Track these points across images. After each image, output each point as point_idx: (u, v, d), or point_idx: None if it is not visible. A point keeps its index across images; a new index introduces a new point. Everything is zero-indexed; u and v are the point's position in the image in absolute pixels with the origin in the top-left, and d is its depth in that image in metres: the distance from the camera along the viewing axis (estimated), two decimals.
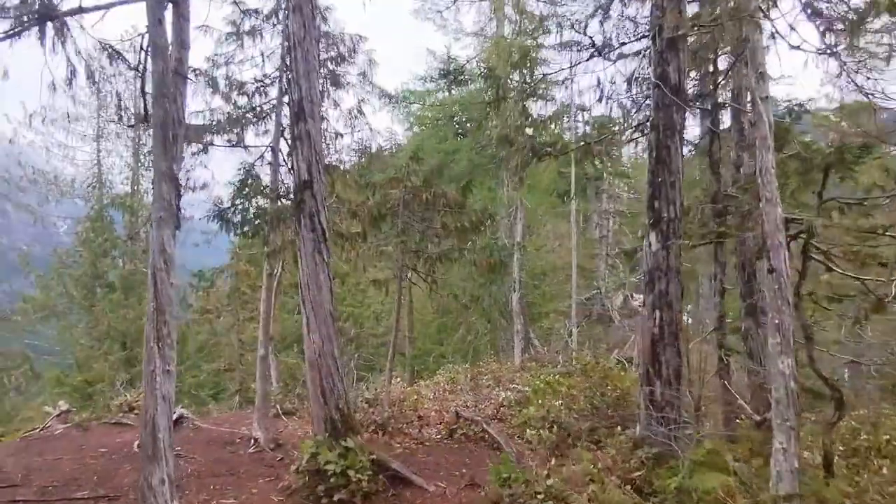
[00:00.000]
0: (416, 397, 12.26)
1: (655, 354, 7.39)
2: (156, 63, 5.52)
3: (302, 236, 7.06)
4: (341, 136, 11.05)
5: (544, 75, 8.70)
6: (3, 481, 6.87)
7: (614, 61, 7.77)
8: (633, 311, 24.04)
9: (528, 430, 9.79)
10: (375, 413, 9.75)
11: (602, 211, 22.53)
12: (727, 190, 8.80)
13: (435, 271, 10.54)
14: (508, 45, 15.70)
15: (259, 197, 9.30)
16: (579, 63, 7.89)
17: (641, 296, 24.33)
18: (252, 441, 8.77)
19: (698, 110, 9.05)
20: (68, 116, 24.97)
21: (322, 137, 7.92)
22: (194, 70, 9.86)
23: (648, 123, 7.41)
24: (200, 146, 9.52)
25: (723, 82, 8.92)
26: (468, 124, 25.87)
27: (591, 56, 7.71)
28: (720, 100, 8.99)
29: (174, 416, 10.12)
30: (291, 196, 7.82)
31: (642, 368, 7.64)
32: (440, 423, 10.66)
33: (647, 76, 8.27)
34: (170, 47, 5.73)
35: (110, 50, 5.85)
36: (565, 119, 20.51)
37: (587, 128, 24.04)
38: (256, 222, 9.15)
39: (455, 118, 26.85)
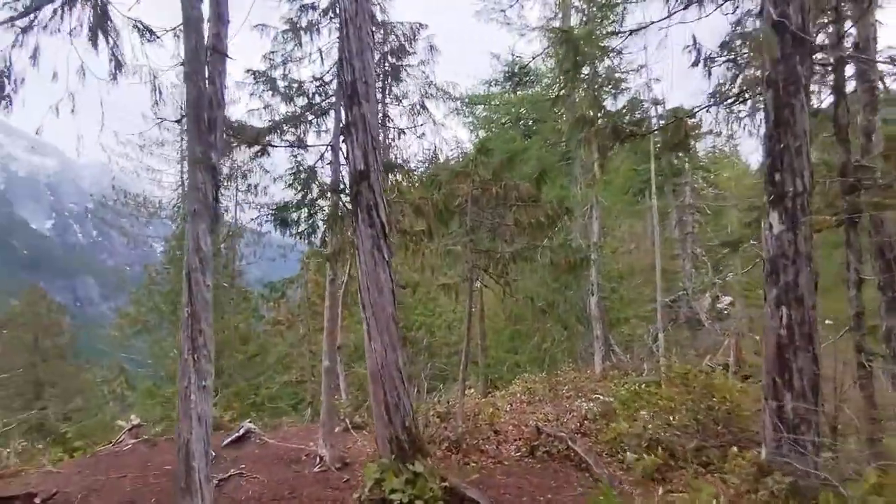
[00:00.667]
0: (491, 410, 11.13)
1: (784, 361, 5.91)
2: (188, 36, 4.80)
3: (359, 232, 6.19)
4: (403, 132, 10.21)
5: (630, 31, 7.39)
6: None
7: (721, 3, 6.40)
8: (722, 314, 21.86)
9: (623, 450, 8.46)
10: (448, 428, 8.71)
11: (685, 206, 20.53)
12: (858, 161, 7.17)
13: (508, 273, 9.41)
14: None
15: (316, 193, 8.52)
16: (675, 12, 6.57)
17: (729, 297, 22.00)
18: (317, 459, 7.96)
19: (820, 66, 7.48)
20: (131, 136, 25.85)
21: (379, 124, 7.03)
22: (252, 72, 9.36)
23: (765, 80, 5.98)
24: (258, 148, 8.90)
25: (850, 31, 7.33)
26: (535, 125, 24.67)
27: (689, 4, 6.39)
28: (844, 53, 7.37)
29: (240, 432, 9.62)
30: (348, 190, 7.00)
31: (766, 378, 6.16)
32: (519, 439, 9.48)
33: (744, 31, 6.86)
34: (206, 23, 5.03)
35: (142, 27, 5.18)
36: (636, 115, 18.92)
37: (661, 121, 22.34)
38: (311, 221, 8.40)
39: (521, 121, 25.73)
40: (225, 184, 27.37)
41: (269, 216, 8.67)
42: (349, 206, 6.86)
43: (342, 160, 8.79)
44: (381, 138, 7.78)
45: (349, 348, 15.21)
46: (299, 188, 8.36)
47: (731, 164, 32.07)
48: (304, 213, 8.37)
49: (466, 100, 22.69)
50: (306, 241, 8.76)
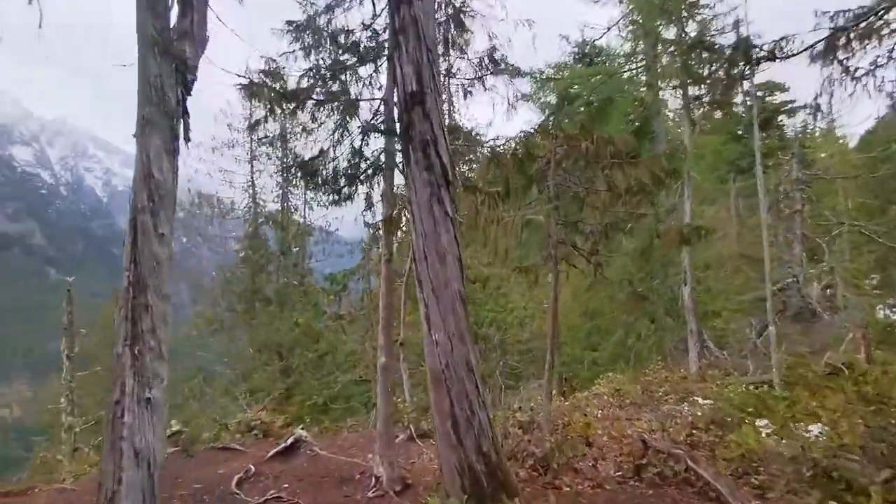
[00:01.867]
0: (582, 417, 9.21)
1: None
2: None
3: (412, 179, 4.52)
4: (470, 92, 8.50)
5: None
6: None
7: None
8: (834, 304, 18.72)
9: (755, 470, 6.39)
10: (533, 442, 6.91)
11: (793, 180, 17.54)
12: None
13: (598, 251, 7.49)
14: None
15: (358, 135, 6.80)
16: None
17: (837, 285, 18.68)
18: (373, 480, 6.41)
19: None
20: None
21: (436, 32, 5.29)
22: (292, 23, 7.94)
23: None
24: (304, 108, 7.36)
25: None
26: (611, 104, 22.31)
27: None
28: None
29: (289, 441, 8.24)
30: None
31: None
32: (620, 455, 7.54)
33: None
34: None
35: None
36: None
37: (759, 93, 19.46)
38: (352, 173, 6.73)
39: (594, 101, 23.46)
40: (293, 181, 27.05)
41: (292, 168, 7.11)
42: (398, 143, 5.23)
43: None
44: (442, 102, 5.97)
45: (416, 345, 13.70)
46: (336, 126, 6.68)
47: (832, 139, 28.28)
48: (343, 163, 6.73)
49: (539, 79, 20.64)
50: (341, 197, 7.10)
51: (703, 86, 13.36)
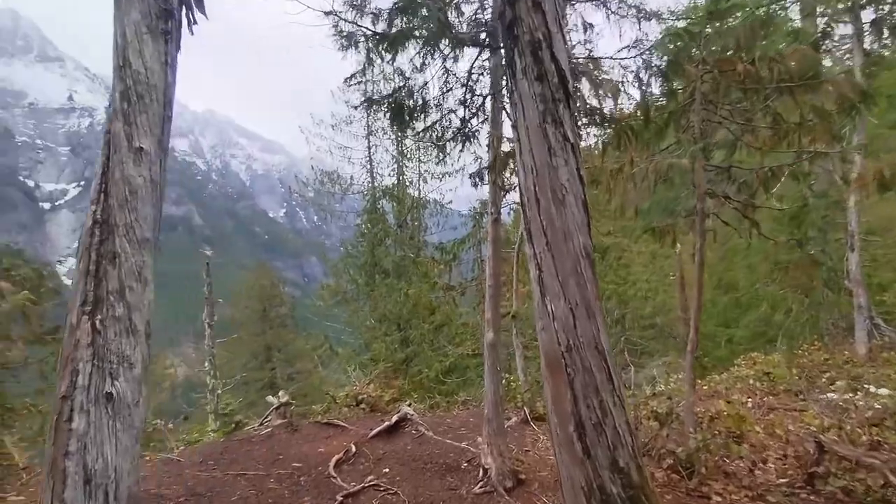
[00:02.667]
0: (728, 405, 7.70)
1: None
2: None
3: (517, 94, 3.40)
4: (591, 26, 7.15)
5: None
6: None
7: None
8: None
9: None
10: (670, 438, 5.69)
11: None
12: None
13: (755, 204, 5.92)
14: None
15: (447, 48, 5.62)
16: None
17: None
18: (481, 472, 5.63)
19: None
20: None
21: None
22: None
23: None
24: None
25: None
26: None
27: None
28: None
29: (394, 419, 7.70)
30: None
31: None
32: (783, 458, 6.07)
33: None
34: None
35: None
36: None
37: None
38: (441, 104, 5.73)
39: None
40: (408, 154, 27.08)
41: (384, 103, 6.17)
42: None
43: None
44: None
45: (530, 318, 12.66)
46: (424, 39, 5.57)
47: None
48: (434, 90, 5.73)
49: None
50: (437, 139, 6.07)
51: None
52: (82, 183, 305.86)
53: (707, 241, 5.75)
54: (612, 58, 5.12)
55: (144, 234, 2.03)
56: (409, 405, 8.12)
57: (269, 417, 7.79)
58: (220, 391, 20.90)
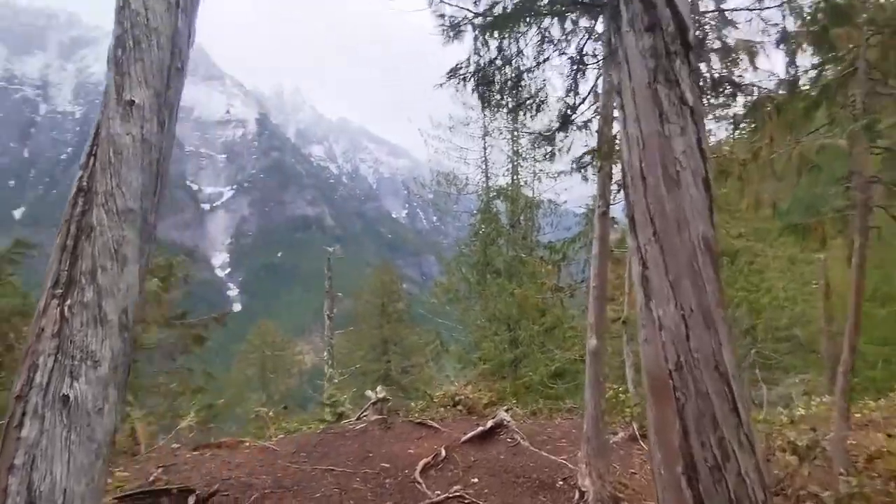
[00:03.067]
0: (889, 441, 6.25)
1: None
2: None
3: (623, 50, 2.55)
4: None
5: None
6: None
7: None
8: None
9: None
10: (813, 477, 4.63)
11: None
12: None
13: None
14: None
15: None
16: None
17: None
18: (577, 494, 4.98)
19: None
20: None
21: None
22: None
23: None
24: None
25: None
26: None
27: None
28: None
29: (488, 424, 7.21)
30: None
31: None
32: None
33: None
34: None
35: None
36: None
37: None
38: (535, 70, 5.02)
39: None
40: (523, 154, 26.63)
41: (472, 76, 5.61)
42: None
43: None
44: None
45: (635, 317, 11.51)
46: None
47: None
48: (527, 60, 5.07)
49: None
50: (544, 135, 5.40)
51: None
52: (234, 186, 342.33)
53: (869, 241, 4.62)
54: (748, 9, 4.20)
55: (127, 203, 1.74)
56: (507, 410, 7.61)
57: (366, 412, 7.73)
58: (336, 380, 21.87)
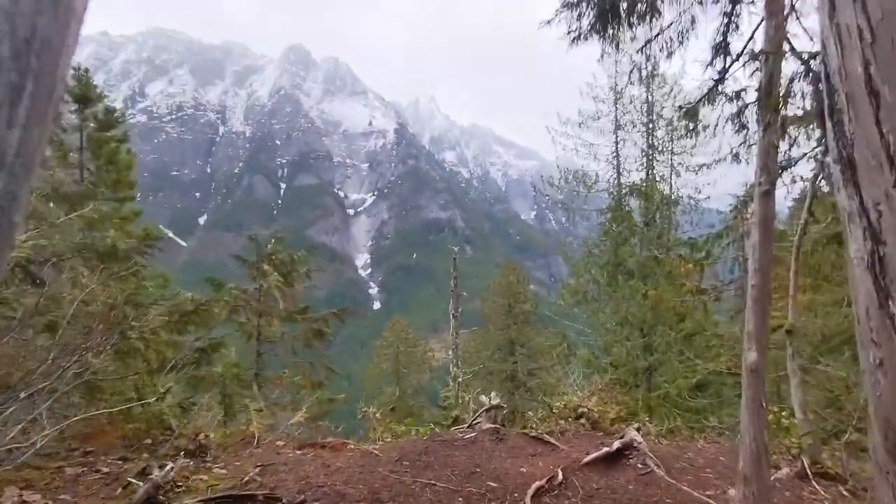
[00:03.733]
0: None
1: None
2: None
3: None
4: None
5: None
6: None
7: None
8: None
9: None
10: None
11: None
12: None
13: None
14: None
15: None
16: None
17: None
18: None
19: None
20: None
21: None
22: None
23: None
24: None
25: None
26: None
27: None
28: None
29: (614, 446, 6.10)
30: None
31: None
32: None
33: None
34: None
35: None
36: None
37: None
38: None
39: None
40: (659, 146, 24.53)
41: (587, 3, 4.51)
42: None
43: None
44: None
45: (812, 334, 9.25)
46: None
47: None
48: None
49: None
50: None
51: None
52: (375, 192, 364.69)
53: None
54: None
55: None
56: (638, 429, 6.45)
57: (478, 419, 7.04)
58: (460, 379, 21.64)
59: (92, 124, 8.15)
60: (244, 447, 5.41)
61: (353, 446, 5.62)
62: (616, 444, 5.68)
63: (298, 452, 5.20)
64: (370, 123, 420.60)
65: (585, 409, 6.99)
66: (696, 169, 24.36)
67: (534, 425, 6.98)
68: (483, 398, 7.40)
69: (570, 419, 7.00)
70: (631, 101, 26.25)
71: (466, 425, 6.96)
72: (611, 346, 23.64)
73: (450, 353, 21.99)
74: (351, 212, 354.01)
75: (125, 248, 6.89)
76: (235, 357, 7.55)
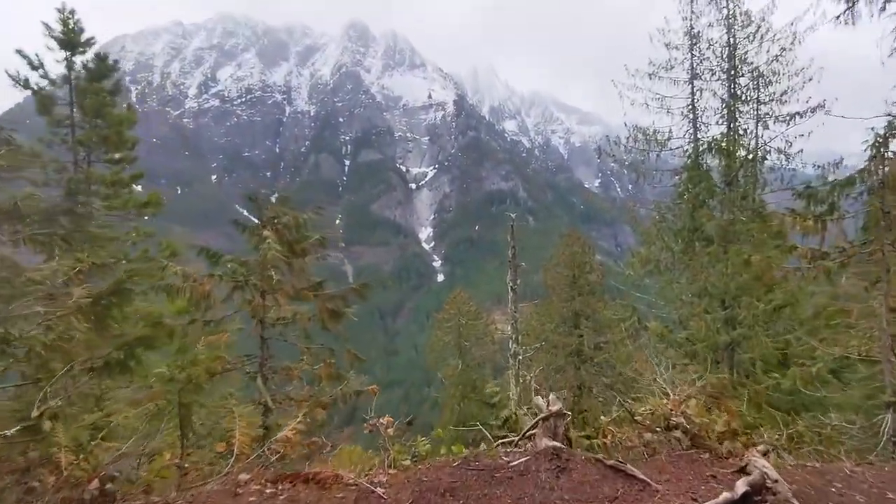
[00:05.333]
0: None
1: None
2: None
3: None
4: None
5: None
6: None
7: None
8: None
9: None
10: None
11: None
12: None
13: None
14: None
15: None
16: None
17: None
18: None
19: None
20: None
21: None
22: None
23: None
24: None
25: None
26: None
27: None
28: None
29: (739, 490, 3.88)
30: None
31: None
32: None
33: None
34: None
35: None
36: None
37: None
38: None
39: None
40: (743, 97, 21.50)
41: None
42: None
43: None
44: None
45: None
46: None
47: None
48: None
49: None
50: None
51: None
52: (436, 166, 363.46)
53: None
54: None
55: None
56: (766, 454, 4.43)
57: (534, 430, 5.17)
58: (521, 357, 20.06)
59: (83, 73, 7.16)
60: (187, 486, 3.95)
61: (349, 479, 4.01)
62: (741, 488, 3.78)
63: (267, 492, 3.73)
64: (429, 96, 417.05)
65: (681, 420, 5.11)
66: (788, 119, 21.35)
67: (609, 437, 5.11)
68: (540, 400, 5.49)
69: (659, 431, 5.13)
70: (709, 46, 23.20)
71: (518, 438, 5.22)
72: (687, 320, 21.60)
73: (508, 328, 20.39)
74: (413, 186, 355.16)
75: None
76: (226, 347, 6.25)
